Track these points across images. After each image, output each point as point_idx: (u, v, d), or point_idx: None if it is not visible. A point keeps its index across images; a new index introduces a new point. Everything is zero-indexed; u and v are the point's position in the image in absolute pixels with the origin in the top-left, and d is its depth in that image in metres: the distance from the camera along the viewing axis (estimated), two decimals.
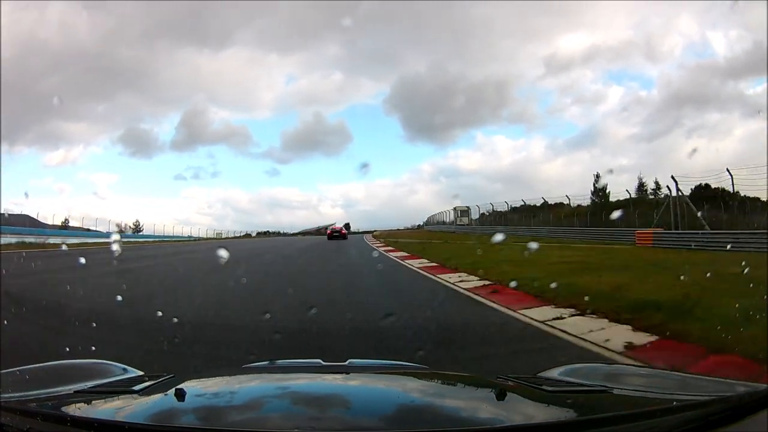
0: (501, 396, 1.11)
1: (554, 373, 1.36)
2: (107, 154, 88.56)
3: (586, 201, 28.94)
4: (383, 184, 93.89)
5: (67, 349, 3.27)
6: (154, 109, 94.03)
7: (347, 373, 1.45)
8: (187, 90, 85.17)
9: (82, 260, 11.87)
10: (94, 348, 3.23)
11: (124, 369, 1.40)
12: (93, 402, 1.06)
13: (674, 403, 0.99)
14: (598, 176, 29.46)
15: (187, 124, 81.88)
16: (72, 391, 1.09)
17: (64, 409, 0.95)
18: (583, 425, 0.91)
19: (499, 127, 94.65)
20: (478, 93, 75.47)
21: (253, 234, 71.87)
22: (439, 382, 1.42)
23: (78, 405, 1.03)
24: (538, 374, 1.35)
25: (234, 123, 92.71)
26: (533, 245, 13.53)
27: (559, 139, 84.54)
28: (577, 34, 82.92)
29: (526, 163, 78.69)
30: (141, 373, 1.38)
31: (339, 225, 37.00)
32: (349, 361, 1.68)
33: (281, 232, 71.15)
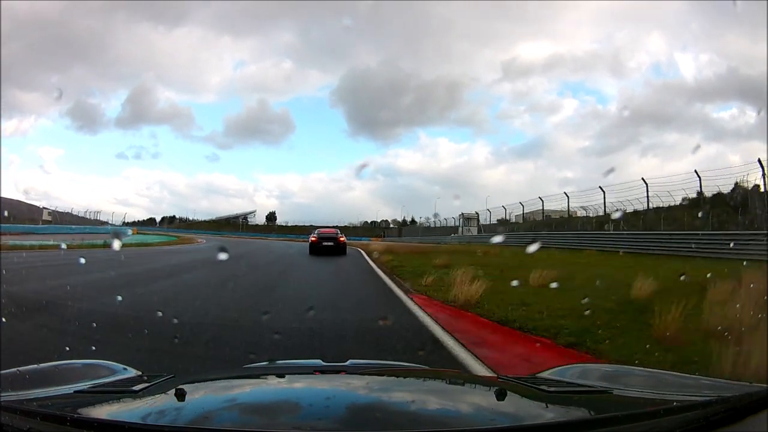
0: (501, 396, 1.11)
1: (554, 373, 1.36)
2: (55, 127, 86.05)
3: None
4: (320, 178, 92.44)
5: (67, 349, 3.28)
6: (104, 84, 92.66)
7: (347, 374, 1.45)
8: (138, 66, 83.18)
9: None
10: (94, 348, 3.24)
11: (124, 369, 1.40)
12: (93, 402, 1.06)
13: (674, 403, 0.99)
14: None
15: (133, 102, 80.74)
16: (72, 391, 1.09)
17: (63, 409, 0.95)
18: (583, 425, 0.91)
19: (446, 129, 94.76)
20: (428, 92, 74.31)
21: (158, 221, 67.91)
22: (439, 382, 1.42)
23: (78, 405, 1.03)
24: (538, 374, 1.35)
25: (179, 104, 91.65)
26: None
27: (505, 146, 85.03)
28: (540, 42, 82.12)
29: (467, 168, 77.94)
30: (141, 373, 1.38)
31: (328, 229, 21.85)
32: (350, 361, 1.68)
33: (189, 218, 67.40)
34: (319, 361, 1.72)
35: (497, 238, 21.73)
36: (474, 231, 37.28)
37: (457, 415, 1.06)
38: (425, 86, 76.80)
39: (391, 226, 66.97)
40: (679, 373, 1.42)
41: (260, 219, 71.38)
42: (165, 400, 1.07)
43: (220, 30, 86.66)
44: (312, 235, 19.18)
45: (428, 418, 1.02)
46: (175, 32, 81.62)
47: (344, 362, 1.63)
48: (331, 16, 70.12)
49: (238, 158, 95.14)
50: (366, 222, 70.07)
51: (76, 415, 0.87)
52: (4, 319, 4.13)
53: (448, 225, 41.98)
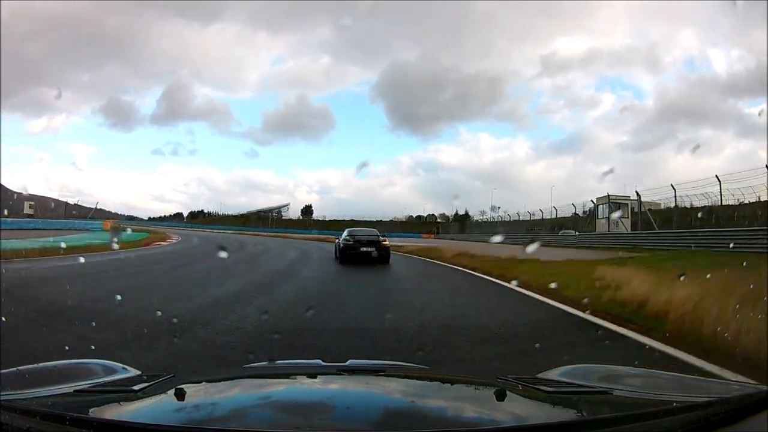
0: (501, 396, 1.11)
1: (554, 373, 1.36)
2: (87, 125, 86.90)
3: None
4: (361, 173, 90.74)
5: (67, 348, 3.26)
6: (138, 81, 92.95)
7: (347, 374, 1.45)
8: (173, 63, 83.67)
9: None
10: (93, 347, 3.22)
11: (124, 368, 1.40)
12: (92, 401, 1.06)
13: (675, 404, 0.99)
14: None
15: (169, 98, 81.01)
16: (72, 391, 1.09)
17: (63, 408, 0.95)
18: (583, 426, 0.91)
19: (486, 124, 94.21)
20: (468, 87, 73.88)
21: (185, 216, 66.83)
22: (439, 382, 1.42)
23: (78, 404, 1.03)
24: (538, 375, 1.35)
25: (216, 100, 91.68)
26: None
27: (545, 141, 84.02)
28: (577, 36, 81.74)
29: (507, 163, 77.23)
30: (140, 372, 1.38)
31: (364, 228, 16.54)
32: (350, 361, 1.68)
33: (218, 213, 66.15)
34: (318, 361, 1.72)
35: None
36: (625, 225, 23.94)
37: (456, 415, 1.06)
38: (465, 81, 76.21)
39: (439, 220, 64.15)
40: (679, 374, 1.42)
41: (295, 213, 69.35)
42: (165, 399, 1.07)
43: (256, 26, 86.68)
44: (343, 237, 13.37)
45: (428, 418, 1.02)
46: (209, 29, 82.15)
47: (344, 362, 1.63)
48: (368, 11, 70.51)
49: (277, 154, 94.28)
50: (411, 216, 67.21)
51: (75, 415, 0.87)
52: (3, 319, 4.12)
53: (534, 218, 34.43)
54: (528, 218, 36.50)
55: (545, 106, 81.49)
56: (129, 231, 25.77)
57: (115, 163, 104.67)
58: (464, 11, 75.35)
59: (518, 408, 1.08)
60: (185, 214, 72.62)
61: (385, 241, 13.34)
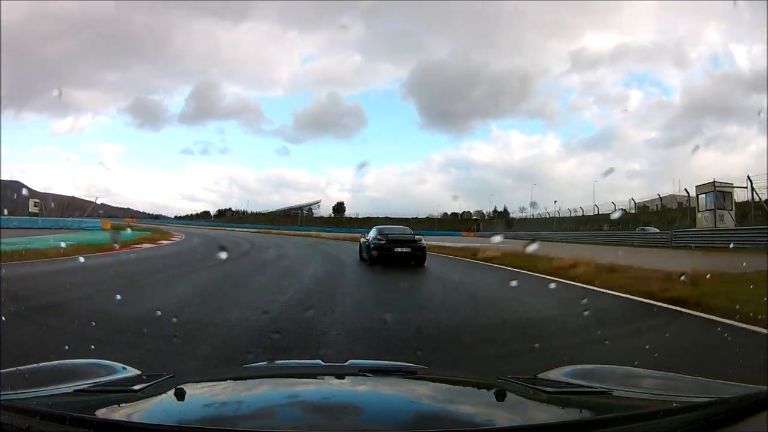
0: (501, 397, 1.11)
1: (554, 374, 1.36)
2: (114, 124, 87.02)
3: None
4: (393, 171, 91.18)
5: (66, 348, 3.24)
6: (165, 81, 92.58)
7: (347, 374, 1.45)
8: (201, 62, 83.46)
9: None
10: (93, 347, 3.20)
11: (124, 368, 1.40)
12: (92, 401, 1.06)
13: (674, 404, 0.99)
14: None
15: (198, 98, 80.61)
16: (71, 390, 1.09)
17: (63, 408, 0.95)
18: (583, 426, 0.91)
19: (517, 121, 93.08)
20: (499, 84, 73.23)
21: (213, 213, 65.72)
22: (439, 382, 1.42)
23: (77, 404, 1.03)
24: (539, 375, 1.35)
25: (246, 99, 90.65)
26: None
27: (575, 138, 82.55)
28: (605, 33, 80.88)
29: (538, 160, 76.29)
30: (140, 372, 1.38)
31: (396, 228, 13.12)
32: (349, 361, 1.68)
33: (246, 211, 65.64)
34: (318, 361, 1.72)
35: None
36: (730, 218, 19.61)
37: (456, 416, 1.06)
38: (496, 78, 76.05)
39: (474, 217, 62.61)
40: (679, 374, 1.42)
41: (327, 211, 68.21)
42: (164, 399, 1.07)
43: (286, 25, 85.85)
44: (372, 235, 11.57)
45: (428, 418, 1.02)
46: (238, 28, 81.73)
47: (344, 362, 1.63)
48: (398, 8, 70.18)
49: (308, 152, 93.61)
50: (446, 213, 65.52)
51: (75, 415, 0.87)
52: (3, 318, 4.11)
53: (586, 213, 32.30)
54: (568, 215, 35.20)
55: (575, 103, 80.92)
56: (129, 231, 23.86)
57: (143, 163, 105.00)
58: (493, 7, 75.38)
59: (518, 408, 1.08)
60: (214, 213, 72.35)
61: (421, 240, 11.64)
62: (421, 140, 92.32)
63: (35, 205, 44.58)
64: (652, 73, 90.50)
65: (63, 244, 12.83)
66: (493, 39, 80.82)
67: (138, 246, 16.81)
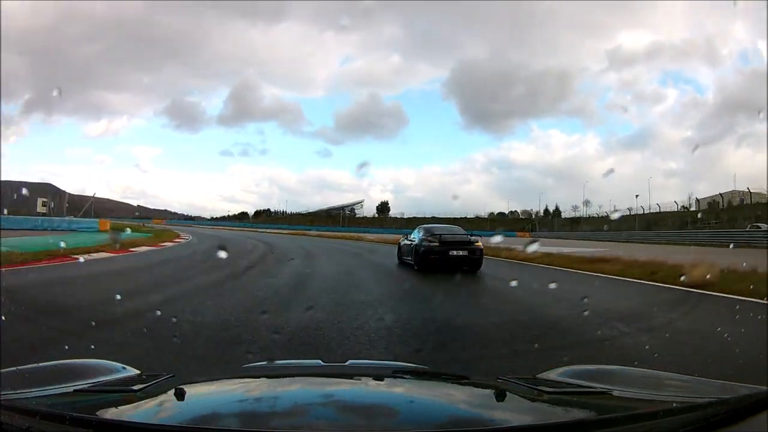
0: (500, 397, 1.11)
1: (554, 374, 1.36)
2: (150, 126, 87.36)
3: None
4: (434, 171, 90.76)
5: (66, 348, 3.23)
6: (202, 82, 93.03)
7: (346, 374, 1.45)
8: (237, 64, 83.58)
9: None
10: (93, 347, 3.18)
11: (123, 368, 1.40)
12: (92, 401, 1.06)
13: (674, 404, 0.99)
14: None
15: (236, 99, 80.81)
16: (72, 391, 1.09)
17: (63, 408, 0.95)
18: (583, 426, 0.91)
19: (557, 120, 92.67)
20: (538, 83, 73.17)
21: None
22: (439, 382, 1.42)
23: (77, 404, 1.03)
24: (538, 375, 1.35)
25: (285, 100, 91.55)
26: None
27: (614, 137, 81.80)
28: (639, 30, 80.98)
29: (578, 160, 75.96)
30: (140, 372, 1.38)
31: (447, 228, 11.41)
32: (349, 361, 1.68)
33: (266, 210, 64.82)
34: (318, 362, 1.72)
35: None
36: None
37: (456, 416, 1.06)
38: (535, 77, 76.07)
39: (521, 217, 61.60)
40: (679, 374, 1.42)
41: (370, 211, 67.62)
42: (164, 399, 1.07)
43: (322, 25, 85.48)
44: (421, 236, 10.13)
45: (427, 418, 1.02)
46: (273, 29, 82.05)
47: (344, 363, 1.63)
48: (435, 7, 70.05)
49: (350, 153, 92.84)
50: (492, 213, 65.11)
51: (75, 415, 0.87)
52: (3, 318, 4.10)
53: (667, 210, 29.61)
54: (627, 213, 33.29)
55: (613, 101, 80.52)
56: (128, 231, 21.86)
57: (181, 165, 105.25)
58: (529, 7, 75.41)
59: (518, 408, 1.08)
60: (252, 214, 72.04)
61: (477, 242, 10.12)
62: (462, 140, 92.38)
63: (43, 205, 43.22)
64: (686, 71, 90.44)
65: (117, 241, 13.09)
66: (531, 38, 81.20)
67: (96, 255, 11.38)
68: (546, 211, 60.32)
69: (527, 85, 78.47)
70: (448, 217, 47.01)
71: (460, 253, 9.81)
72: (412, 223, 37.87)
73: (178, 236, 24.21)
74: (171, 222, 52.21)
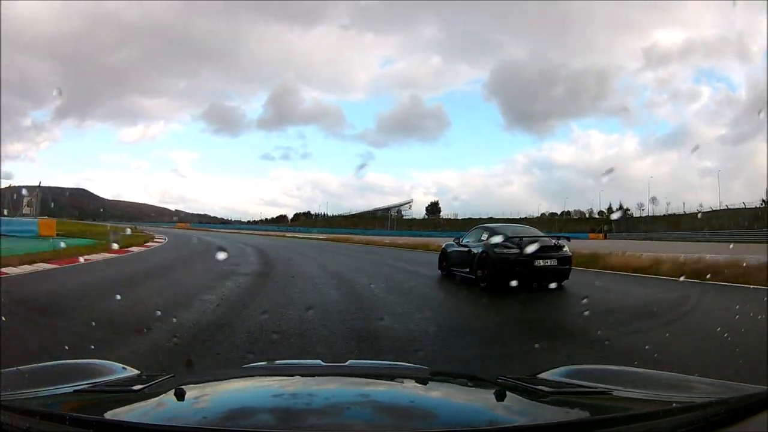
0: (501, 396, 1.11)
1: (554, 373, 1.36)
2: (188, 131, 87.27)
3: None
4: (477, 173, 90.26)
5: (66, 348, 3.23)
6: (241, 86, 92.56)
7: (347, 374, 1.45)
8: (276, 68, 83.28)
9: None
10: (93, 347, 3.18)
11: (123, 368, 1.40)
12: (92, 401, 1.07)
13: (674, 404, 0.99)
14: None
15: (276, 103, 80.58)
16: (72, 391, 1.09)
17: (63, 408, 0.95)
18: (583, 426, 0.91)
19: (596, 120, 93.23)
20: (577, 83, 73.97)
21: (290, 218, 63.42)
22: (439, 382, 1.42)
23: (77, 404, 1.03)
24: (539, 375, 1.35)
25: (326, 103, 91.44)
26: None
27: (652, 136, 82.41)
28: (673, 28, 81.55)
29: (617, 160, 75.62)
30: (140, 372, 1.38)
31: (523, 229, 8.71)
32: (349, 361, 1.68)
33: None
34: (318, 362, 1.72)
35: None
36: None
37: (456, 415, 1.06)
38: (574, 76, 76.89)
39: (574, 217, 59.31)
40: (678, 374, 1.42)
41: (419, 213, 65.53)
42: (164, 399, 1.07)
43: (361, 28, 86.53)
44: (491, 241, 7.68)
45: (427, 418, 1.02)
46: (311, 32, 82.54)
47: (344, 362, 1.63)
48: (473, 8, 69.61)
49: (392, 156, 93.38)
50: (544, 214, 63.37)
51: (75, 415, 0.87)
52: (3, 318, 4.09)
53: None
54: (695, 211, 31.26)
55: (651, 100, 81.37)
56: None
57: (220, 169, 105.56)
58: (566, 7, 75.51)
59: (518, 408, 1.08)
60: (291, 217, 71.93)
61: (564, 247, 7.67)
62: (503, 141, 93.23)
63: (28, 205, 42.09)
64: (718, 68, 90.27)
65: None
66: (568, 37, 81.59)
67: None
68: (609, 210, 57.54)
69: (567, 85, 78.86)
70: (505, 216, 45.06)
71: (548, 263, 7.29)
72: (466, 224, 33.54)
73: (148, 240, 19.60)
74: (195, 225, 51.31)
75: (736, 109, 70.79)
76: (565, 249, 7.66)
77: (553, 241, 7.83)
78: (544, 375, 1.35)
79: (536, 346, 4.01)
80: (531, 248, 7.17)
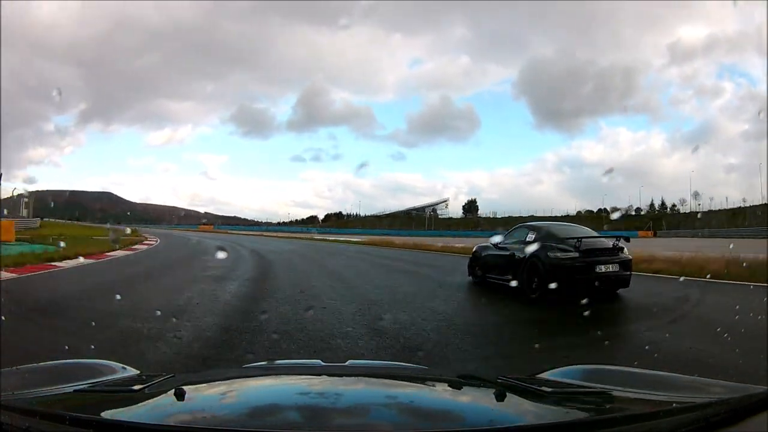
0: (500, 397, 1.11)
1: (554, 373, 1.36)
2: (217, 134, 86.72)
3: None
4: (507, 173, 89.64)
5: (66, 347, 3.25)
6: (269, 89, 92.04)
7: (346, 374, 1.45)
8: (304, 69, 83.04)
9: None
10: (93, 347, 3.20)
11: (123, 368, 1.40)
12: (92, 401, 1.07)
13: (674, 404, 0.99)
14: None
15: (305, 104, 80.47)
16: (72, 391, 1.09)
17: (63, 408, 0.95)
18: (583, 426, 0.91)
19: (623, 118, 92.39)
20: (605, 80, 74.55)
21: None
22: (438, 382, 1.42)
23: (77, 404, 1.03)
24: (538, 375, 1.35)
25: (356, 104, 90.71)
26: None
27: (678, 132, 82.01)
28: (695, 23, 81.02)
29: (645, 157, 76.34)
30: (140, 372, 1.38)
31: (573, 229, 7.26)
32: (349, 361, 1.68)
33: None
34: (318, 362, 1.72)
35: None
36: None
37: (456, 415, 1.06)
38: (601, 73, 77.73)
39: (612, 215, 54.94)
40: (678, 374, 1.42)
41: (456, 212, 63.59)
42: (164, 399, 1.07)
43: (388, 29, 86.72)
44: (532, 239, 6.86)
45: (427, 418, 1.02)
46: (339, 33, 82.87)
47: (343, 363, 1.63)
48: (500, 7, 69.51)
49: (423, 156, 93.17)
50: (580, 212, 61.84)
51: (75, 415, 0.87)
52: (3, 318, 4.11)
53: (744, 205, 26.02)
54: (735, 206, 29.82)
55: (676, 97, 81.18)
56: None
57: (250, 171, 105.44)
58: (592, 5, 74.96)
59: (518, 408, 1.08)
60: (322, 218, 71.65)
61: (624, 249, 6.69)
62: (533, 140, 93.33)
63: (25, 207, 38.47)
64: (739, 63, 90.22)
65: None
66: (595, 35, 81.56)
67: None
68: (651, 206, 57.76)
69: (594, 82, 79.05)
70: (542, 215, 43.33)
71: (610, 268, 6.24)
72: (508, 223, 30.28)
73: (138, 244, 17.86)
74: (219, 227, 50.79)
75: (759, 104, 71.38)
76: (625, 251, 6.67)
77: (612, 242, 6.75)
78: (544, 375, 1.35)
79: None
80: (590, 252, 6.28)
